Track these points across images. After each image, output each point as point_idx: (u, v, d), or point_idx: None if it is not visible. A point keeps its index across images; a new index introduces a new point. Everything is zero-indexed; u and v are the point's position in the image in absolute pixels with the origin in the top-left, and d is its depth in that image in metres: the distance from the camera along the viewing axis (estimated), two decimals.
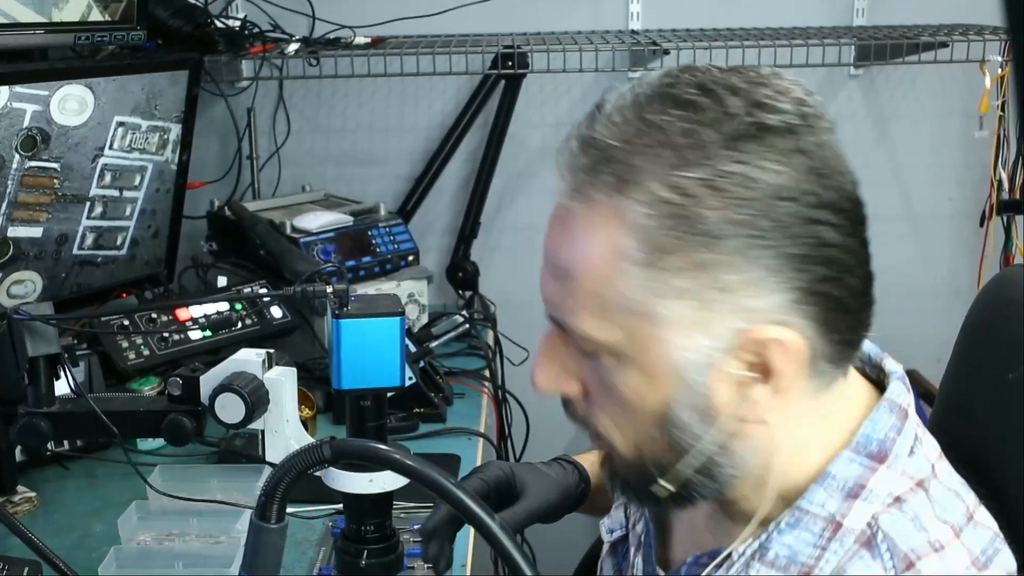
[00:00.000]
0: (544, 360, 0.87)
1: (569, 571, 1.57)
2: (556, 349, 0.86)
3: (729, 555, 0.86)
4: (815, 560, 0.81)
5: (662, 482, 0.83)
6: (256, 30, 2.21)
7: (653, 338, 0.78)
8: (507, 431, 2.26)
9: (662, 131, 0.75)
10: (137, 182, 1.96)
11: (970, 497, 0.85)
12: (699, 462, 0.81)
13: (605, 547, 1.08)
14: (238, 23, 2.21)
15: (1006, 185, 2.30)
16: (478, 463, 1.68)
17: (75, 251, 1.89)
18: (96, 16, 1.80)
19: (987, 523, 0.84)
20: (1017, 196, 2.29)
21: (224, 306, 1.89)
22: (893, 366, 0.89)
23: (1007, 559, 0.83)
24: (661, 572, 0.97)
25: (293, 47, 2.14)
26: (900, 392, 0.86)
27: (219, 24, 2.16)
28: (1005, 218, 2.35)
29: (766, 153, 0.74)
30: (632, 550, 1.02)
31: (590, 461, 1.21)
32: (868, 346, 0.90)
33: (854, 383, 0.87)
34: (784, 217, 0.74)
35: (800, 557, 0.81)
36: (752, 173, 0.74)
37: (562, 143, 0.81)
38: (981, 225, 2.37)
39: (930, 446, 0.87)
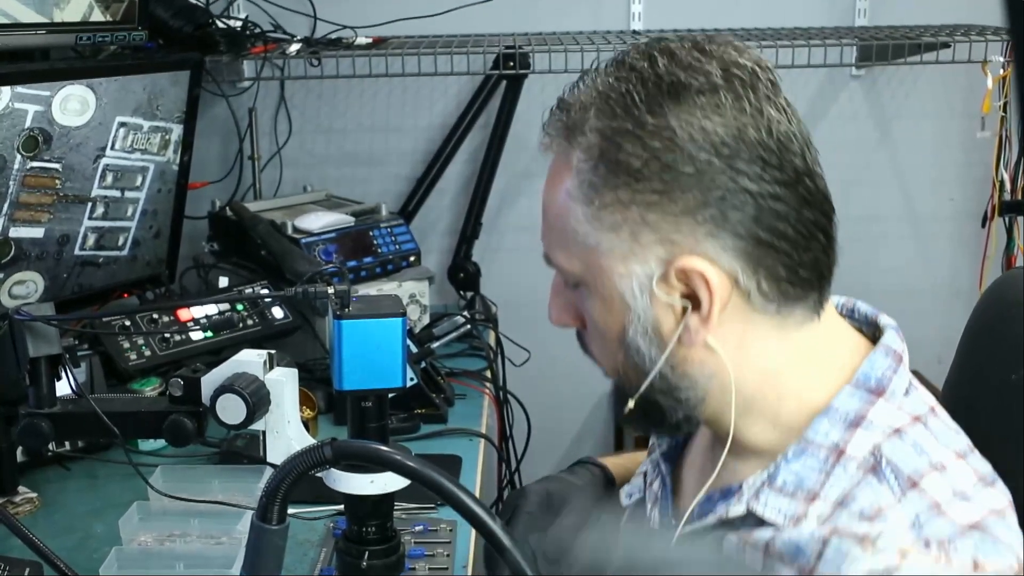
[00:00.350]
0: (553, 297, 1.00)
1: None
2: (558, 288, 0.99)
3: (740, 489, 0.91)
4: (820, 485, 0.87)
5: (631, 402, 0.93)
6: (257, 30, 2.21)
7: (601, 268, 0.90)
8: (508, 432, 2.26)
9: (603, 92, 0.89)
10: (139, 182, 1.96)
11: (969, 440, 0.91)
12: (660, 384, 0.91)
13: (625, 514, 1.12)
14: (239, 23, 2.21)
15: (1008, 186, 2.29)
16: (479, 464, 1.68)
17: (77, 252, 1.89)
18: (97, 16, 1.80)
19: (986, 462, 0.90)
20: (1019, 197, 2.29)
21: (225, 307, 1.89)
22: (887, 320, 0.96)
23: (1006, 489, 0.88)
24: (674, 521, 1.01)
25: (294, 47, 2.14)
26: (894, 340, 0.93)
27: (220, 24, 2.16)
28: (1007, 219, 2.35)
29: (682, 108, 0.85)
30: (649, 506, 1.07)
31: (614, 463, 1.25)
32: (863, 306, 0.99)
33: (850, 336, 0.95)
34: (702, 164, 0.85)
35: (807, 483, 0.87)
36: (671, 123, 0.85)
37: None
38: (983, 226, 2.37)
39: (927, 394, 0.93)
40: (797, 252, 0.88)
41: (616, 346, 0.92)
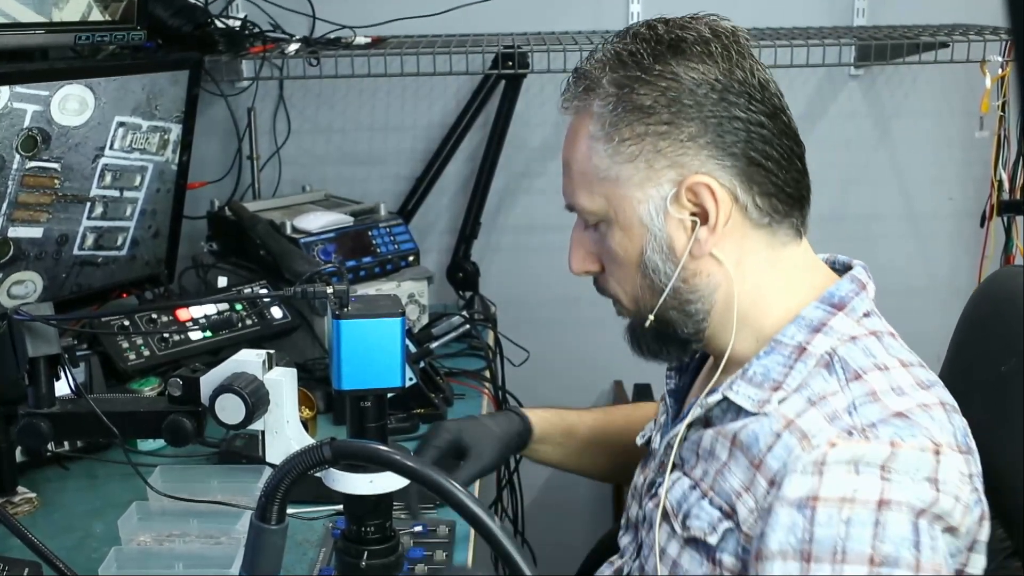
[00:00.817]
0: (574, 247, 1.17)
1: (569, 571, 1.57)
2: (580, 238, 1.16)
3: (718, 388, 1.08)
4: (784, 377, 1.04)
5: (649, 319, 1.11)
6: (256, 30, 2.21)
7: (621, 197, 1.08)
8: None
9: (615, 53, 1.09)
10: (138, 182, 1.96)
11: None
12: (672, 301, 1.09)
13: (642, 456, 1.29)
14: (238, 23, 2.21)
15: (1007, 185, 2.29)
16: None
17: (75, 251, 1.89)
18: (96, 16, 1.80)
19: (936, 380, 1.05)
20: (1018, 196, 2.29)
21: (224, 306, 1.89)
22: (859, 262, 1.14)
23: (948, 397, 1.02)
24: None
25: (293, 47, 2.14)
26: (861, 273, 1.11)
27: (219, 24, 2.16)
28: (1006, 218, 2.35)
29: (680, 57, 1.06)
30: (656, 436, 1.24)
31: (539, 416, 1.44)
32: (842, 257, 1.16)
33: (826, 271, 1.13)
34: (700, 98, 1.04)
35: (772, 374, 1.05)
36: (673, 69, 1.05)
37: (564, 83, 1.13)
38: (982, 225, 2.37)
39: (887, 325, 1.09)
40: (781, 172, 1.07)
41: (634, 271, 1.10)
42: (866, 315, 1.08)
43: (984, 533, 1.00)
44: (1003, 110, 2.25)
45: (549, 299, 2.52)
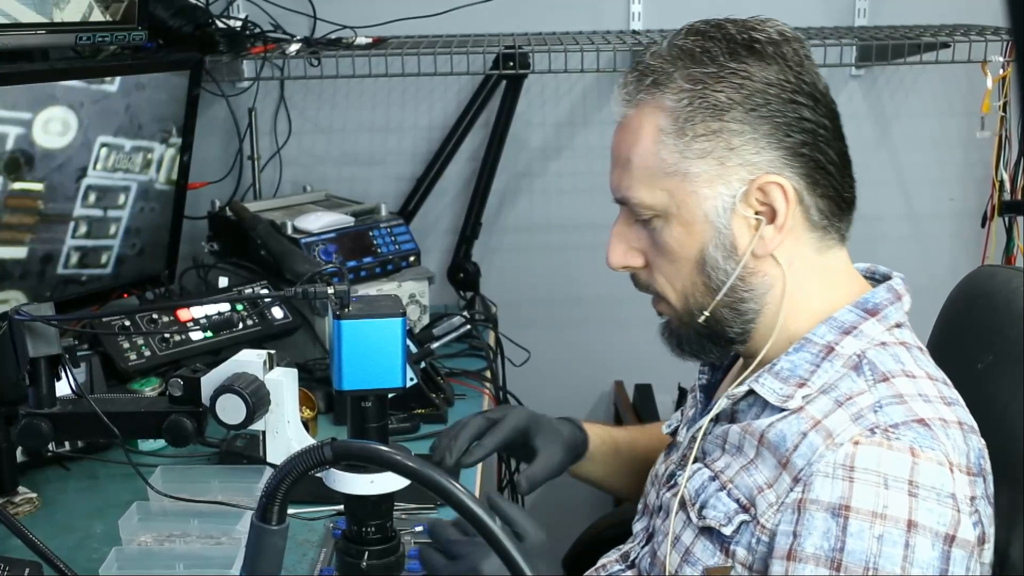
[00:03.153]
0: (615, 242, 1.16)
1: (570, 570, 1.57)
2: (622, 232, 1.15)
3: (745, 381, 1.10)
4: (810, 374, 1.06)
5: (705, 315, 1.10)
6: (257, 30, 2.21)
7: (688, 193, 1.08)
8: None
9: (685, 50, 1.08)
10: (122, 201, 1.95)
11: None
12: (726, 298, 1.09)
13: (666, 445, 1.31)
14: (239, 23, 2.21)
15: (1008, 186, 2.29)
16: (479, 464, 1.68)
17: (59, 270, 1.87)
18: (97, 16, 1.80)
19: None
20: (1019, 197, 2.28)
21: (225, 307, 1.89)
22: (898, 274, 1.15)
23: (968, 417, 1.03)
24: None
25: (294, 47, 2.14)
26: (899, 284, 1.13)
27: (220, 24, 2.15)
28: (1007, 219, 2.34)
29: (754, 56, 1.07)
30: (682, 429, 1.25)
31: (594, 431, 1.43)
32: (882, 267, 1.18)
33: (861, 279, 1.14)
34: (771, 97, 1.06)
35: (798, 371, 1.07)
36: (746, 68, 1.06)
37: (618, 81, 1.14)
38: (983, 226, 2.36)
39: (917, 341, 1.10)
40: (840, 175, 1.09)
41: (691, 267, 1.10)
42: (897, 325, 1.09)
43: (987, 555, 1.01)
44: (1004, 110, 2.25)
45: (550, 299, 2.52)
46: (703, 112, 1.06)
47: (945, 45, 2.17)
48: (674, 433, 1.30)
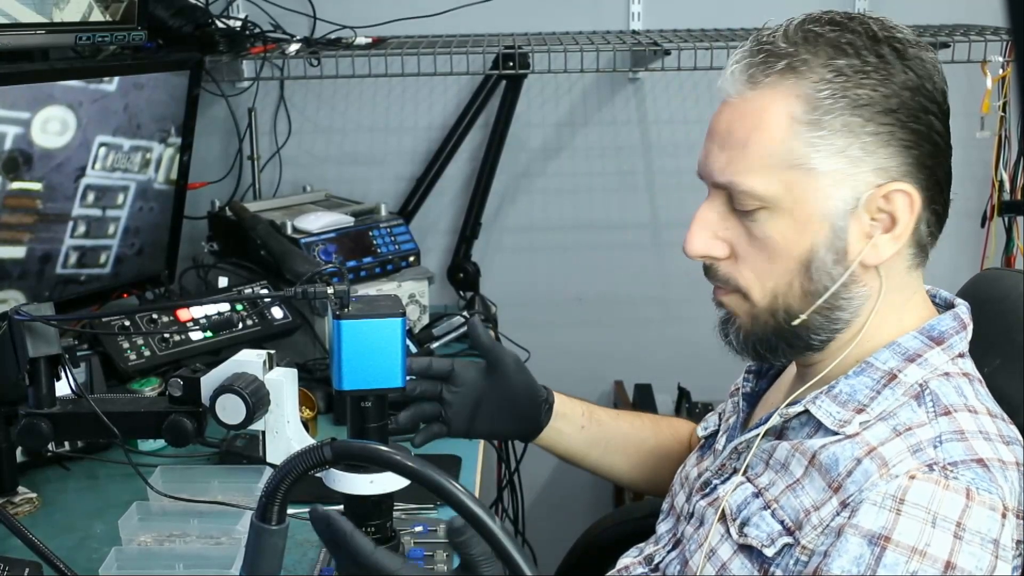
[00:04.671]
0: (698, 229, 1.07)
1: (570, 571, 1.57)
2: (708, 219, 1.07)
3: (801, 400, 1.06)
4: (869, 400, 1.02)
5: (802, 318, 1.04)
6: (257, 30, 2.21)
7: (810, 189, 1.01)
8: None
9: (821, 36, 1.02)
10: (120, 201, 1.95)
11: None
12: (826, 304, 1.03)
13: (698, 444, 1.28)
14: (239, 23, 2.21)
15: (1007, 186, 2.29)
16: (479, 464, 1.68)
17: (58, 270, 1.87)
18: (97, 16, 1.80)
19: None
20: (1018, 197, 2.28)
21: (225, 307, 1.89)
22: (961, 301, 1.11)
23: (1020, 453, 0.99)
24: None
25: (294, 47, 2.14)
26: (964, 312, 1.09)
27: (220, 24, 2.15)
28: (1006, 219, 2.34)
29: (896, 57, 1.01)
30: (719, 435, 1.22)
31: (559, 395, 1.39)
32: (944, 292, 1.14)
33: (929, 304, 1.10)
34: (908, 101, 1.01)
35: (857, 396, 1.02)
36: (889, 69, 1.00)
37: (732, 57, 1.07)
38: (982, 226, 2.36)
39: (978, 373, 1.06)
40: (946, 191, 1.06)
41: (794, 266, 1.03)
42: (961, 355, 1.06)
43: None
44: (1004, 110, 2.25)
45: (549, 299, 2.52)
46: (844, 106, 0.99)
47: (945, 45, 2.17)
48: (711, 436, 1.26)
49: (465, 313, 2.17)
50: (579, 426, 1.40)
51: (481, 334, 1.31)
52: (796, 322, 1.05)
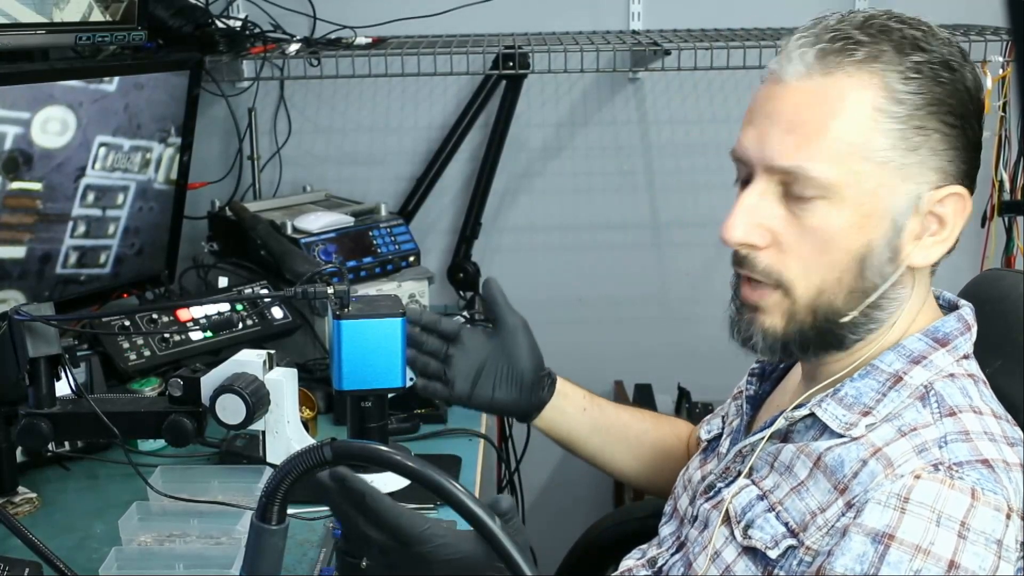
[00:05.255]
0: (741, 214, 1.03)
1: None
2: (753, 205, 1.03)
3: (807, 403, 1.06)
4: (875, 403, 1.01)
5: (853, 315, 1.03)
6: (257, 30, 2.21)
7: (880, 183, 0.99)
8: (508, 432, 2.26)
9: (891, 30, 1.00)
10: (120, 201, 1.95)
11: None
12: (871, 300, 1.02)
13: (701, 447, 1.27)
14: (239, 23, 2.21)
15: (1007, 186, 2.29)
16: (479, 464, 1.68)
17: (58, 270, 1.87)
18: (97, 16, 1.80)
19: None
20: (1018, 197, 2.28)
21: (225, 307, 1.89)
22: (965, 303, 1.11)
23: None
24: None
25: (294, 47, 2.14)
26: (968, 314, 1.09)
27: (220, 24, 2.15)
28: (1006, 219, 2.34)
29: (967, 64, 1.01)
30: (722, 438, 1.22)
31: (562, 379, 1.40)
32: (947, 293, 1.14)
33: (935, 306, 1.10)
34: (971, 110, 1.01)
35: (863, 398, 1.02)
36: (962, 72, 1.00)
37: (795, 40, 1.04)
38: (982, 226, 2.36)
39: (982, 375, 1.06)
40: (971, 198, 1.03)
41: (847, 260, 1.01)
42: (965, 357, 1.06)
43: None
44: (1004, 110, 2.25)
45: (549, 299, 2.52)
46: (923, 103, 0.98)
47: None
48: (715, 439, 1.25)
49: (465, 313, 2.17)
50: (581, 408, 1.40)
51: (496, 293, 1.34)
52: (844, 319, 1.03)
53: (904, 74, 0.98)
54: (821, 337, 1.04)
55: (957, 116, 1.00)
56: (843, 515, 0.96)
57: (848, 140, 0.98)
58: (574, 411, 1.39)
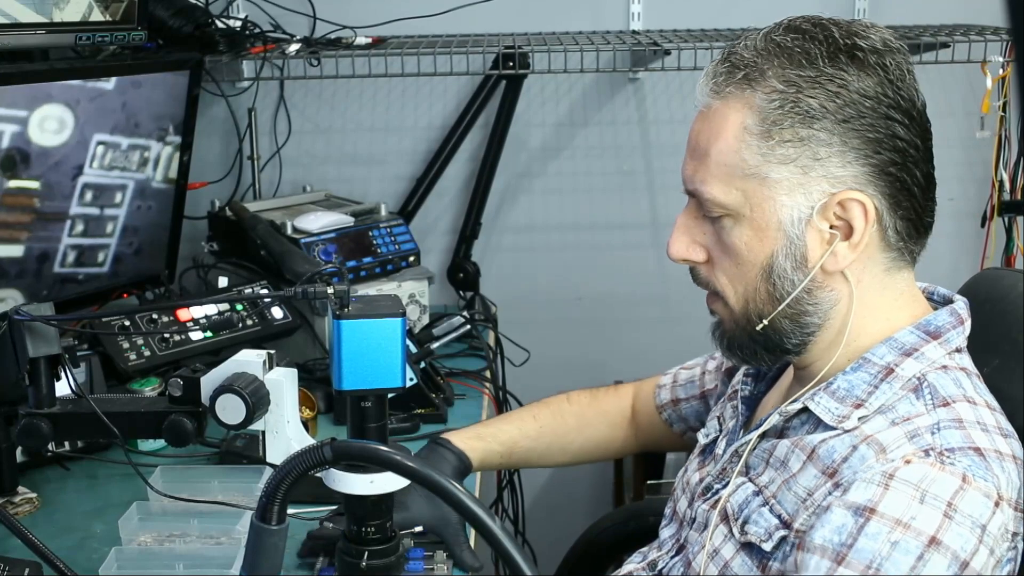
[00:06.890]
0: (678, 234, 1.11)
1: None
2: (687, 224, 1.10)
3: (800, 398, 1.08)
4: (867, 395, 1.03)
5: (764, 323, 1.07)
6: (257, 30, 2.21)
7: (765, 198, 1.03)
8: None
9: (782, 47, 1.04)
10: (118, 200, 1.94)
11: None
12: (790, 309, 1.06)
13: (697, 448, 1.29)
14: (239, 23, 2.21)
15: (1007, 186, 2.29)
16: None
17: (56, 269, 1.87)
18: (97, 16, 1.80)
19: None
20: (1018, 197, 2.29)
21: (225, 307, 1.89)
22: (960, 297, 1.12)
23: (1021, 451, 1.01)
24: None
25: (294, 47, 2.14)
26: (962, 308, 1.10)
27: (220, 24, 2.15)
28: (1006, 219, 2.35)
29: (855, 65, 1.02)
30: (721, 441, 1.22)
31: (464, 439, 1.39)
32: (942, 289, 1.15)
33: (924, 302, 1.11)
34: (865, 110, 1.01)
35: (856, 391, 1.04)
36: (844, 77, 1.01)
37: (707, 68, 1.09)
38: (982, 226, 2.37)
39: (975, 368, 1.08)
40: (923, 198, 1.05)
41: (756, 272, 1.06)
42: (958, 350, 1.07)
43: None
44: (1004, 110, 2.25)
45: (549, 299, 2.52)
46: (793, 117, 1.02)
47: (945, 45, 2.17)
48: (712, 441, 1.26)
49: (464, 313, 2.17)
50: (499, 455, 1.44)
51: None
52: (759, 326, 1.08)
53: (773, 91, 1.02)
54: (759, 342, 1.09)
55: (846, 123, 1.01)
56: (830, 494, 0.98)
57: (724, 161, 1.04)
58: (499, 461, 1.46)
